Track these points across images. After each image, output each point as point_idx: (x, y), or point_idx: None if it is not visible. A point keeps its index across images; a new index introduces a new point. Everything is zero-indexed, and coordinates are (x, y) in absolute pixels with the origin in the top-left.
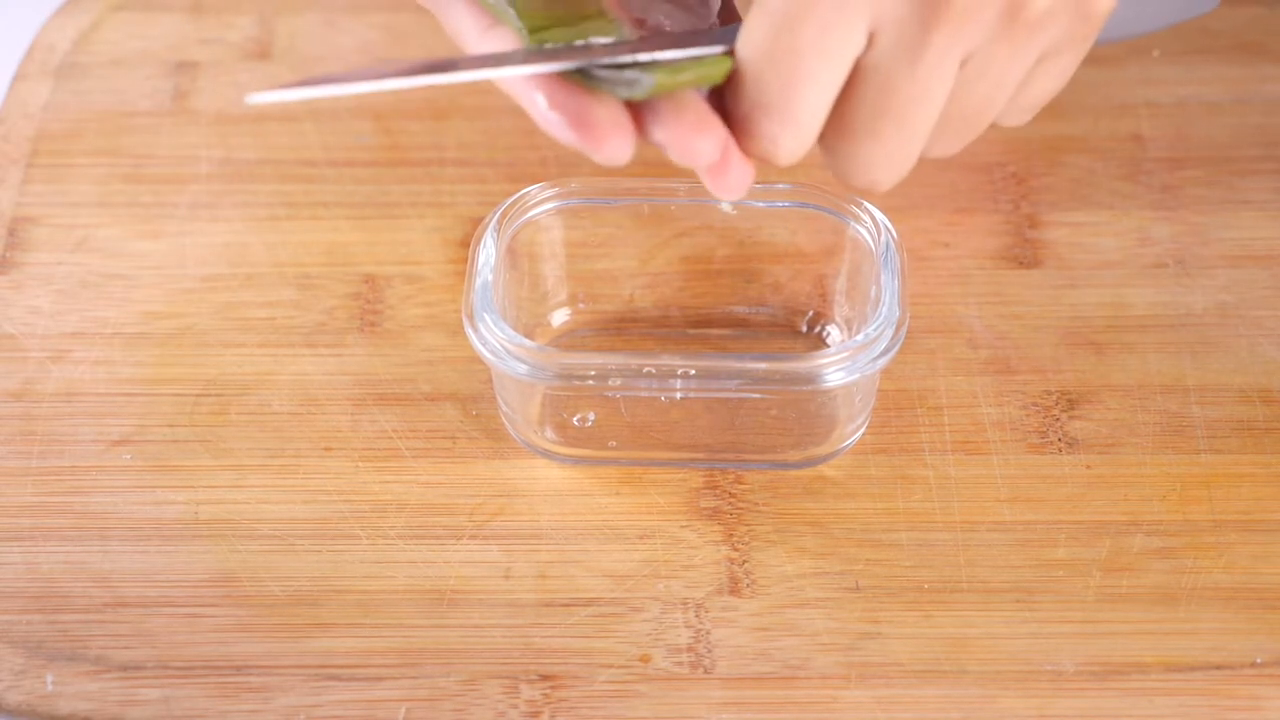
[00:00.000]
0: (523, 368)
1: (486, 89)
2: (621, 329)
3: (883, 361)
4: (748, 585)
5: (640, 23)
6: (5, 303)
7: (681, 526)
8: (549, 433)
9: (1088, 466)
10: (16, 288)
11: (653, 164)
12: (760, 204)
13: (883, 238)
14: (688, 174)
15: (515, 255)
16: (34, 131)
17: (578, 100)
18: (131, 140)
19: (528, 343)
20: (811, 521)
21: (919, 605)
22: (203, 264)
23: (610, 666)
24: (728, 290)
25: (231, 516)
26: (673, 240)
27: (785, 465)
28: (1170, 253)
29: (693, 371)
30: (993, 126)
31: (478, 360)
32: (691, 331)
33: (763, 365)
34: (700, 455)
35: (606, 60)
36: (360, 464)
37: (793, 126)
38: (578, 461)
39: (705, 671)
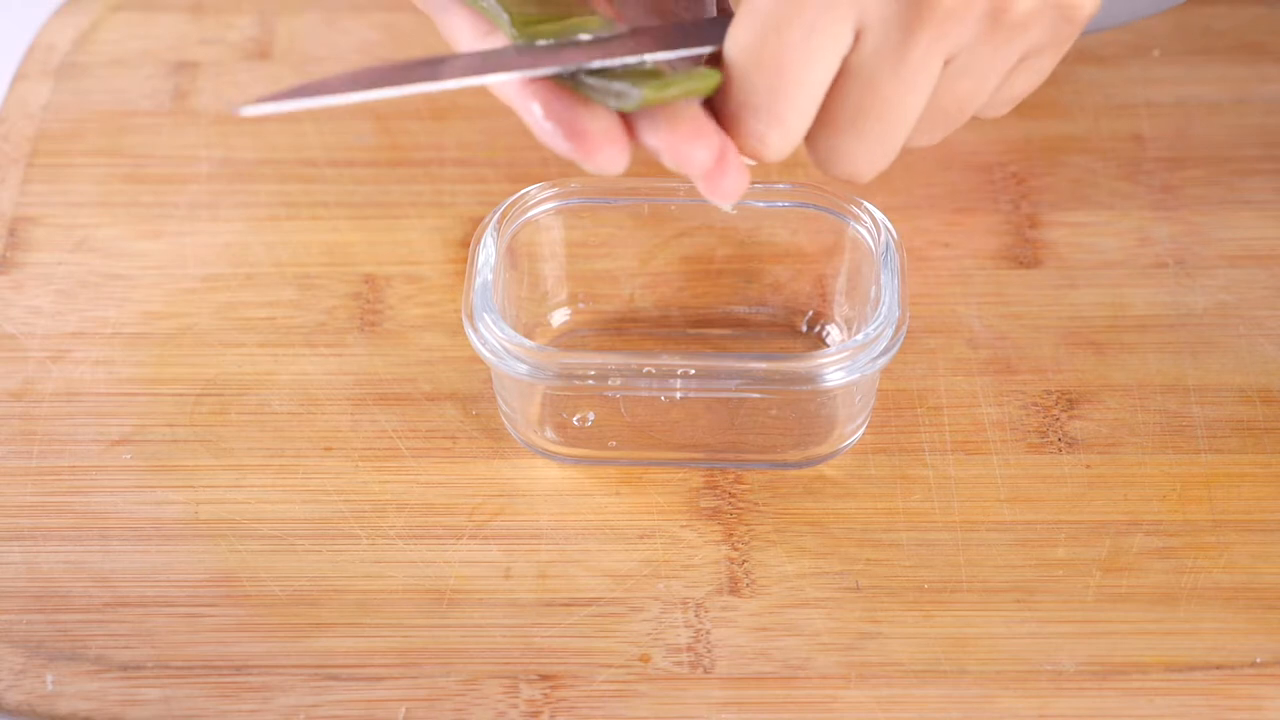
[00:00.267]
0: (523, 368)
1: (486, 89)
2: (621, 329)
3: (883, 361)
4: (748, 585)
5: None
6: (5, 303)
7: (681, 526)
8: (549, 433)
9: (1088, 466)
10: (16, 288)
11: (653, 164)
12: (760, 204)
13: (883, 238)
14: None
15: (515, 255)
16: (34, 131)
17: (573, 110)
18: (131, 140)
19: (528, 343)
20: (811, 521)
21: (919, 605)
22: (203, 264)
23: (610, 666)
24: (728, 290)
25: (231, 516)
26: (673, 240)
27: (785, 465)
28: (1170, 253)
29: (693, 371)
30: (971, 118)
31: (478, 360)
32: (691, 331)
33: (763, 365)
34: (700, 455)
35: (596, 65)
36: (360, 464)
37: (780, 126)
38: (578, 461)
39: (705, 671)
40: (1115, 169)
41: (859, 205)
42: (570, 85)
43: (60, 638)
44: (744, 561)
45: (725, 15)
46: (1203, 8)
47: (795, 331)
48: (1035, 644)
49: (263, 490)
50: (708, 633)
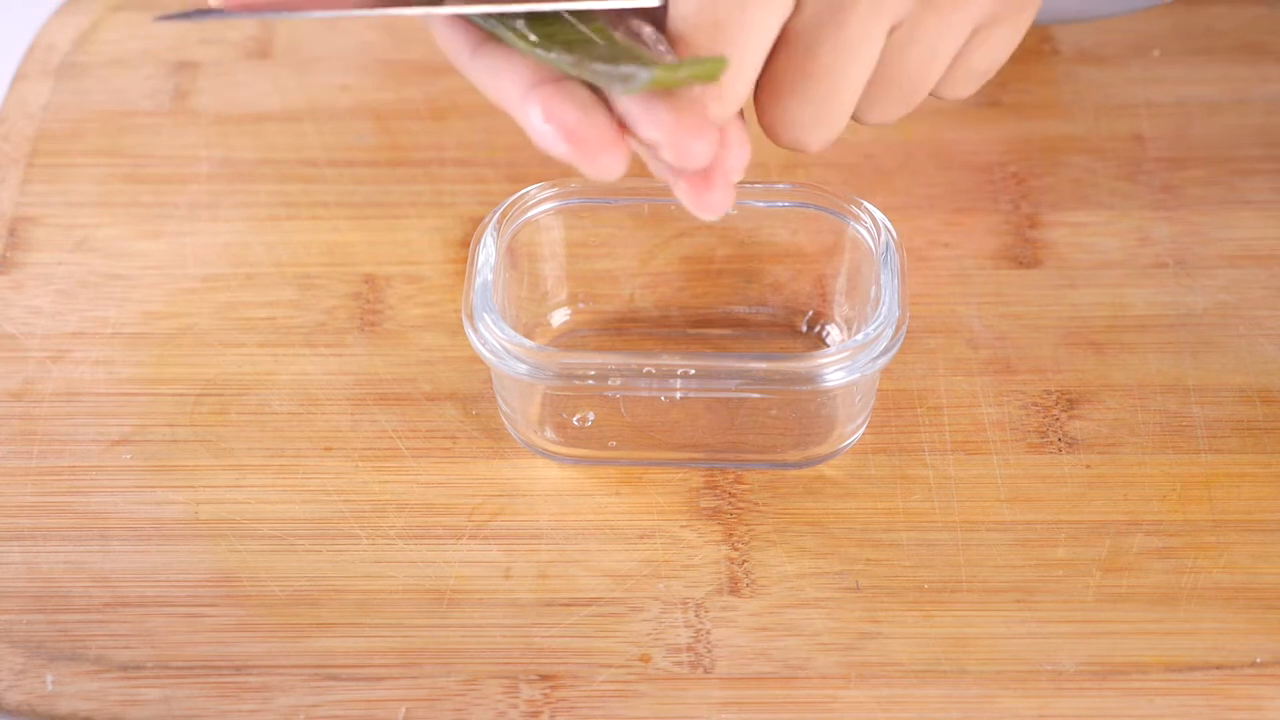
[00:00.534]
0: (523, 368)
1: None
2: (621, 329)
3: (883, 361)
4: (748, 585)
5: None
6: (5, 303)
7: (681, 526)
8: (549, 433)
9: (1087, 466)
10: (16, 288)
11: None
12: (760, 204)
13: (883, 238)
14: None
15: (515, 255)
16: (34, 131)
17: (572, 114)
18: (131, 140)
19: (528, 343)
20: (811, 521)
21: (919, 605)
22: (203, 264)
23: (610, 666)
24: (728, 290)
25: (231, 516)
26: (673, 240)
27: (785, 465)
28: (1170, 253)
29: (693, 371)
30: (937, 98)
31: (478, 360)
32: (691, 331)
33: (763, 365)
34: (700, 455)
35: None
36: (360, 464)
37: (718, 91)
38: (578, 461)
39: (705, 671)
40: (1115, 169)
41: (859, 205)
42: (575, 73)
43: (60, 638)
44: (744, 561)
45: None
46: (1203, 8)
47: (795, 331)
48: (1035, 644)
49: (263, 490)
50: (708, 633)
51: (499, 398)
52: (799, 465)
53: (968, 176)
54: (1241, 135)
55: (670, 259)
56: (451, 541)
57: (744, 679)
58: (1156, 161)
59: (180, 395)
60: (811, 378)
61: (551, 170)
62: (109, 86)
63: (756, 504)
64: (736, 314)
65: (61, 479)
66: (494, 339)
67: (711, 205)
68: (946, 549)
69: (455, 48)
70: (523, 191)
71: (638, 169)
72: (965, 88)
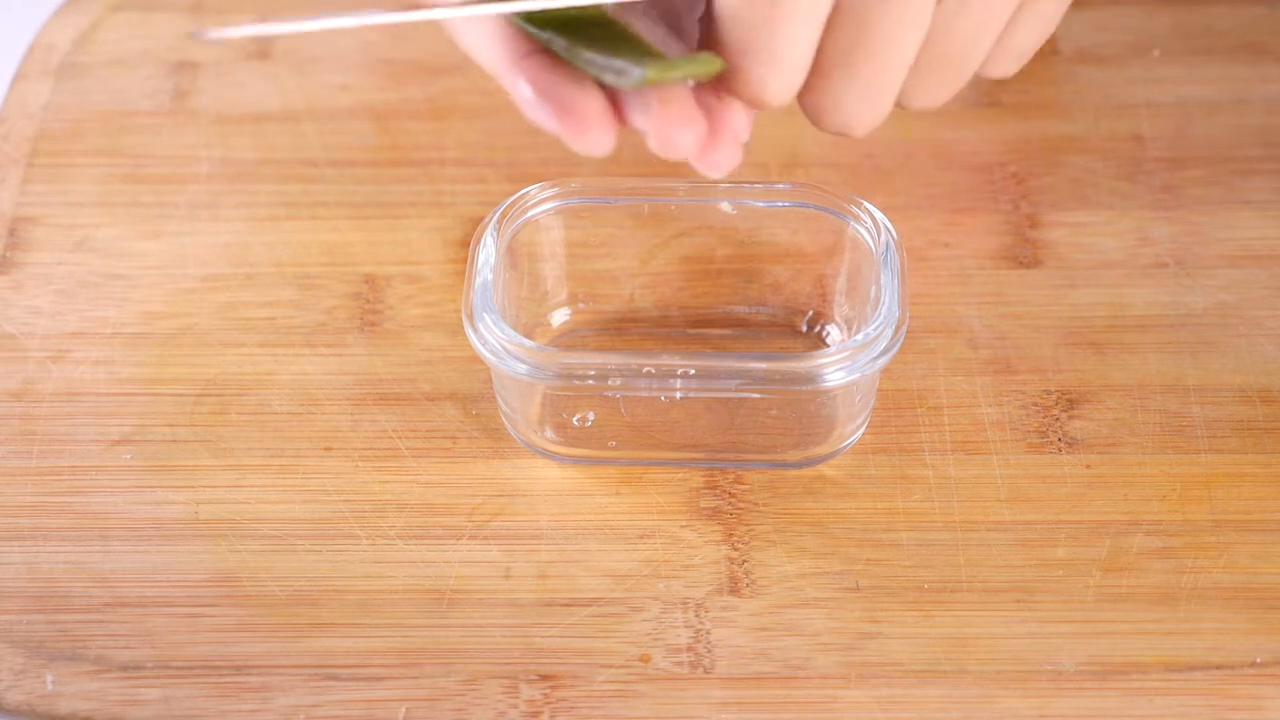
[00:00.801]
0: (523, 368)
1: (487, 89)
2: (621, 329)
3: (883, 361)
4: (748, 585)
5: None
6: (5, 303)
7: (681, 526)
8: (549, 433)
9: (1087, 466)
10: (16, 288)
11: (653, 163)
12: (760, 204)
13: (883, 238)
14: (688, 172)
15: (515, 255)
16: (34, 131)
17: (562, 89)
18: (131, 140)
19: (528, 343)
20: (811, 521)
21: (919, 605)
22: (203, 264)
23: (610, 666)
24: (728, 290)
25: (231, 516)
26: (673, 240)
27: (785, 465)
28: (1170, 253)
29: (693, 371)
30: (981, 79)
31: (478, 360)
32: (691, 331)
33: (763, 365)
34: (700, 455)
35: (598, 59)
36: (360, 464)
37: (777, 67)
38: (578, 461)
39: (705, 671)
40: (1115, 169)
41: (859, 205)
42: (570, 60)
43: (60, 638)
44: (744, 561)
45: None
46: (1203, 8)
47: (795, 331)
48: (1035, 644)
49: (263, 490)
50: (708, 633)
51: (499, 398)
52: (799, 465)
53: (968, 176)
54: (1241, 135)
55: (670, 259)
56: (451, 541)
57: (744, 679)
58: (1156, 161)
59: (180, 395)
60: (811, 378)
61: (551, 170)
62: (109, 86)
63: (756, 504)
64: (736, 314)
65: (61, 479)
66: (494, 339)
67: (717, 164)
68: (946, 549)
69: (497, 63)
70: (523, 191)
71: (638, 169)
72: (1010, 65)
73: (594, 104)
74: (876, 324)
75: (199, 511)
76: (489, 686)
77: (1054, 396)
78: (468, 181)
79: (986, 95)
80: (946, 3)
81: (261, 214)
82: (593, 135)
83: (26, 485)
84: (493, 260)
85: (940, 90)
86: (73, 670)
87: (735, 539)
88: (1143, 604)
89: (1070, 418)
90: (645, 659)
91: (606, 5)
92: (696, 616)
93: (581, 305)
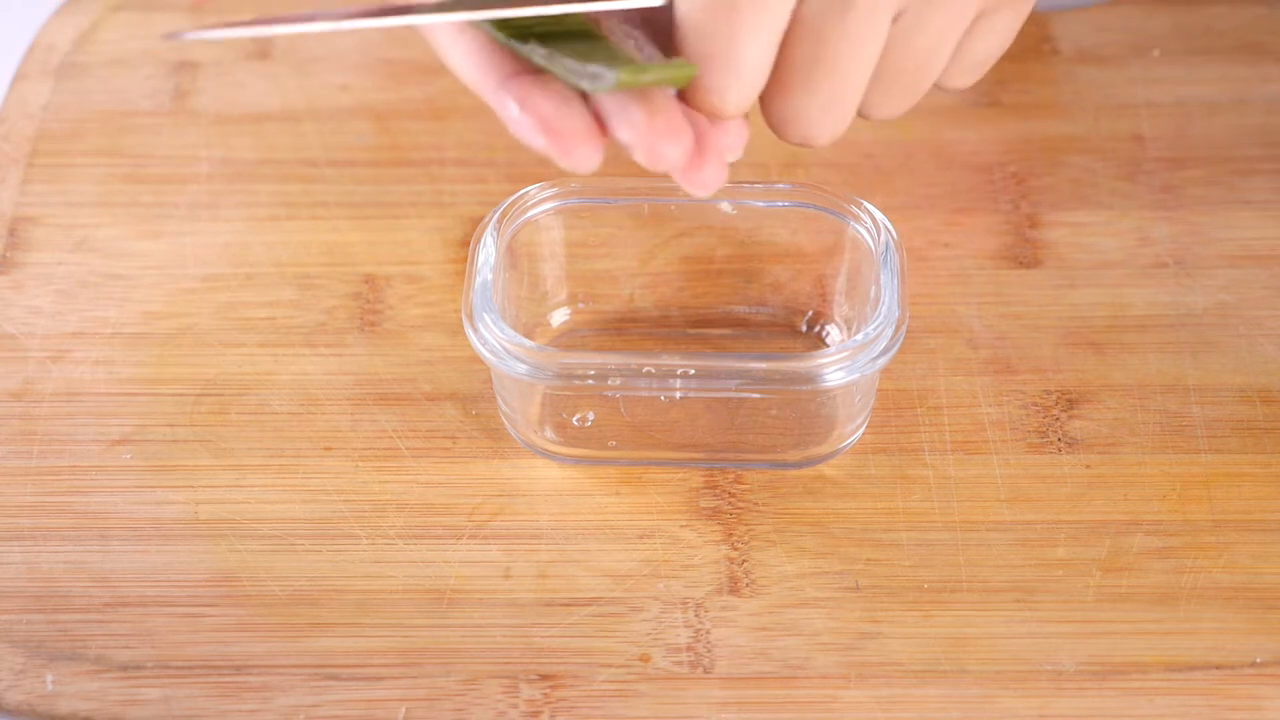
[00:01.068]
0: (523, 368)
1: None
2: (621, 329)
3: (882, 361)
4: (747, 585)
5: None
6: (5, 303)
7: (681, 526)
8: (549, 433)
9: (1087, 466)
10: (16, 288)
11: None
12: (760, 204)
13: (883, 238)
14: None
15: (515, 255)
16: (34, 131)
17: (548, 107)
18: (131, 140)
19: (528, 343)
20: (811, 521)
21: (919, 605)
22: (203, 264)
23: (610, 666)
24: (728, 290)
25: (231, 516)
26: (673, 240)
27: (785, 465)
28: (1170, 253)
29: (693, 371)
30: (940, 89)
31: (478, 360)
32: (691, 331)
33: (763, 365)
34: (700, 455)
35: (574, 65)
36: (360, 464)
37: (736, 77)
38: (578, 461)
39: (705, 671)
40: (1115, 169)
41: (859, 205)
42: (545, 67)
43: (60, 638)
44: (744, 561)
45: None
46: (1203, 8)
47: (795, 331)
48: (1035, 644)
49: (263, 490)
50: (708, 633)
51: (499, 398)
52: (799, 465)
53: (968, 176)
54: (1241, 135)
55: (670, 259)
56: (451, 541)
57: (744, 679)
58: (1156, 161)
59: (180, 395)
60: (811, 378)
61: (551, 170)
62: (109, 86)
63: (756, 504)
64: (736, 314)
65: (61, 479)
66: (494, 339)
67: (702, 183)
68: (946, 549)
69: (440, 33)
70: (523, 191)
71: (638, 169)
72: (968, 77)
73: (579, 121)
74: (876, 324)
75: (199, 511)
76: (489, 686)
77: (1054, 396)
78: (468, 181)
79: (986, 95)
80: (903, 18)
81: (261, 214)
82: (580, 152)
83: (26, 485)
84: (493, 260)
85: (900, 101)
86: (73, 670)
87: (735, 539)
88: (1143, 604)
89: (1070, 418)
90: (645, 659)
91: (585, 15)
92: (696, 616)
93: (581, 305)
